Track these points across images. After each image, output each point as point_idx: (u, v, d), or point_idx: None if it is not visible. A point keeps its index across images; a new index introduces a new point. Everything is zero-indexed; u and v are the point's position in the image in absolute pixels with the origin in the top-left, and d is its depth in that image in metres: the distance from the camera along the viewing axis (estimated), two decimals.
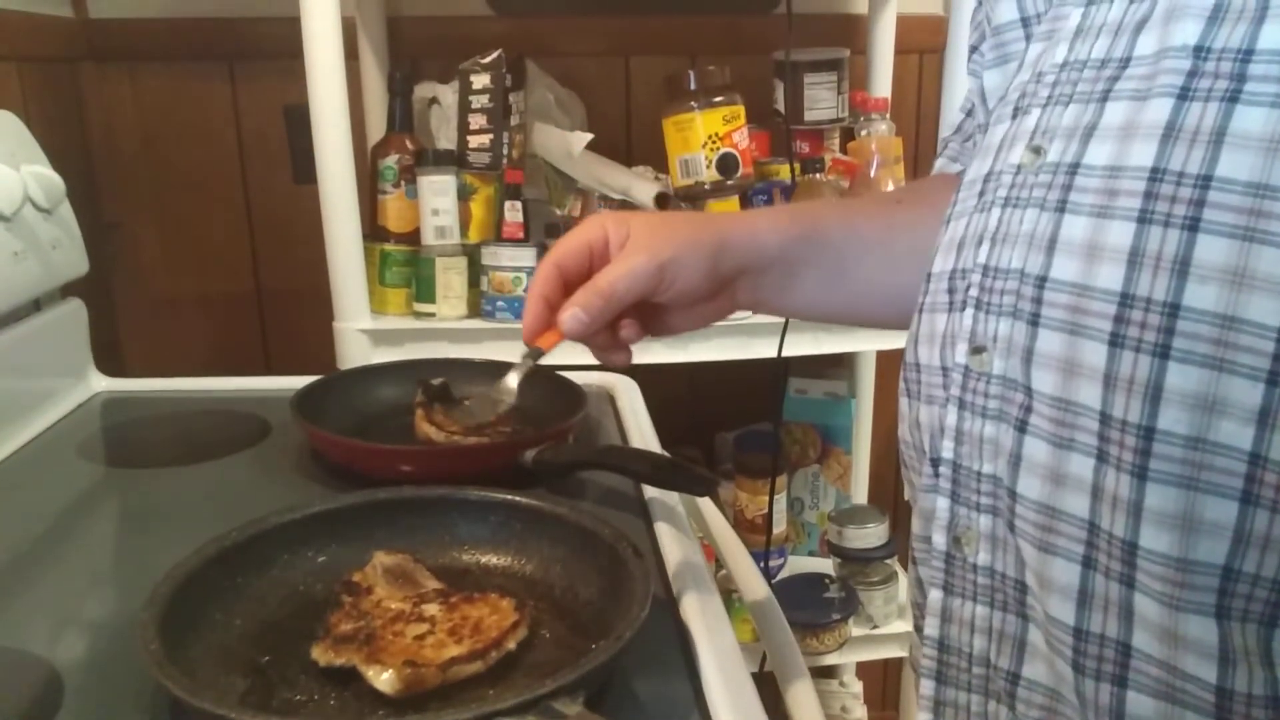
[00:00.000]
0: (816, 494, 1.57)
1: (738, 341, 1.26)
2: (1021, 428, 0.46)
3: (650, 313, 0.63)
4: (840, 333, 1.30)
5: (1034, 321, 0.45)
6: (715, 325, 1.25)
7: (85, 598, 0.65)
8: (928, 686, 0.53)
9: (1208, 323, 0.39)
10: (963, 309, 0.49)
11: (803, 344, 1.27)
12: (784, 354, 1.25)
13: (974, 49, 0.66)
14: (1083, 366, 0.43)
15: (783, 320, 1.23)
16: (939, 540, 0.51)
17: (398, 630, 0.54)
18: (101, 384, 1.03)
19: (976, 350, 0.48)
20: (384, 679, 0.50)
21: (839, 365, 1.57)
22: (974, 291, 0.49)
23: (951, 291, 0.51)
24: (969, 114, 0.68)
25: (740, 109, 1.22)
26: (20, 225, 0.90)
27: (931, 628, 0.52)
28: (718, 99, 1.21)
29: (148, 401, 1.01)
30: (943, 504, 0.51)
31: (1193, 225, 0.40)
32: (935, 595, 0.52)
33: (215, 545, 0.58)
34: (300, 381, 0.88)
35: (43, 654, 0.56)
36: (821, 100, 1.34)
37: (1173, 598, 0.41)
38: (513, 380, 0.67)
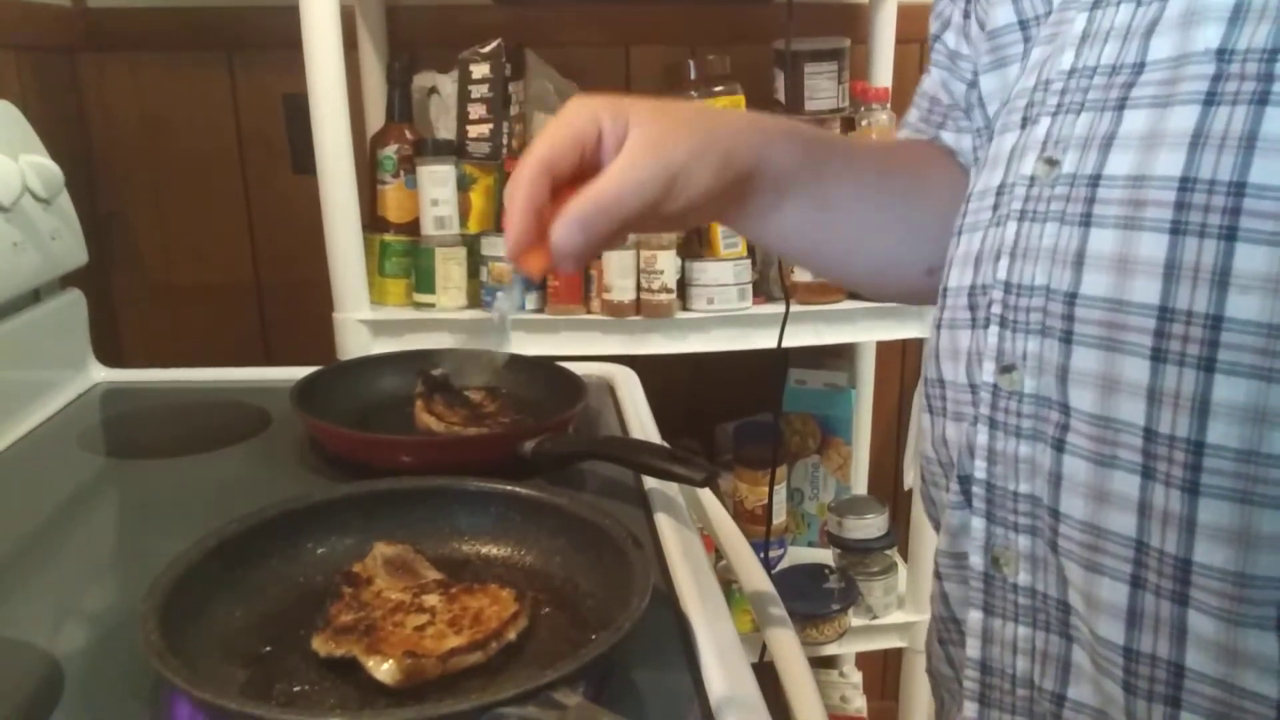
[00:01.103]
0: (816, 485, 1.57)
1: (737, 332, 1.26)
2: (1059, 446, 0.45)
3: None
4: (840, 323, 1.30)
5: (1067, 339, 0.44)
6: (715, 317, 1.26)
7: (85, 588, 0.65)
8: (971, 709, 0.52)
9: (1253, 333, 0.39)
10: (986, 326, 0.49)
11: (803, 335, 1.27)
12: (784, 345, 1.25)
13: (936, 38, 0.65)
14: (1123, 383, 0.42)
15: (783, 310, 1.23)
16: (976, 561, 0.50)
17: (398, 621, 0.54)
18: (101, 374, 1.03)
19: (1005, 369, 0.48)
20: (384, 669, 0.50)
21: (839, 356, 1.57)
22: (997, 309, 0.48)
23: (973, 308, 0.50)
24: (924, 109, 0.67)
25: (740, 98, 1.22)
26: (19, 216, 0.89)
27: (973, 649, 0.51)
28: (718, 89, 1.21)
29: (147, 392, 1.01)
30: (977, 523, 0.50)
31: (1230, 234, 0.39)
32: (975, 616, 0.51)
33: (215, 536, 0.58)
34: (300, 372, 0.88)
35: (43, 645, 0.56)
36: (822, 90, 1.34)
37: (1231, 613, 0.41)
38: (505, 315, 0.58)
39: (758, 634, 0.73)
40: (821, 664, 1.66)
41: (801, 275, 1.28)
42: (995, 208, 0.50)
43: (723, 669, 0.53)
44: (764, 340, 1.26)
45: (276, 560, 0.60)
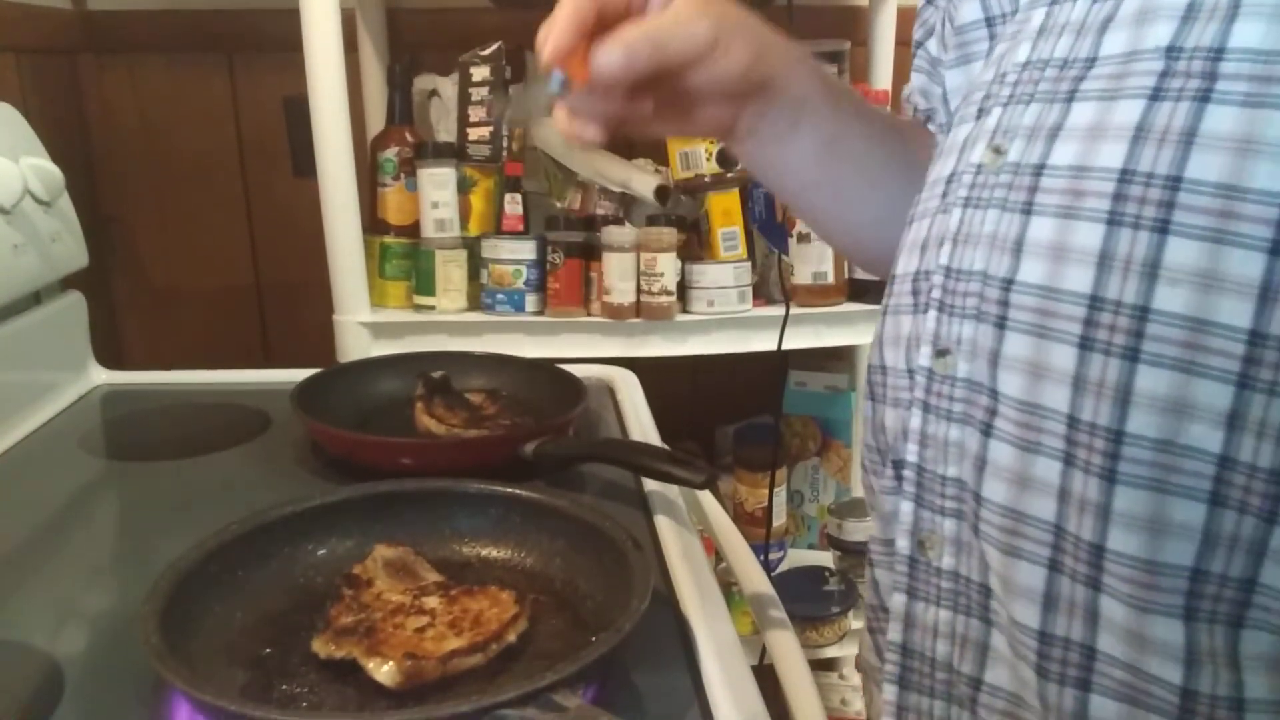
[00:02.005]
0: (816, 487, 1.57)
1: (737, 335, 1.26)
2: (986, 431, 0.46)
3: (644, 95, 0.56)
4: (840, 325, 1.30)
5: (1000, 324, 0.45)
6: (715, 319, 1.26)
7: (86, 590, 0.65)
8: (890, 692, 0.52)
9: (1178, 325, 0.39)
10: (925, 311, 0.49)
11: (803, 337, 1.27)
12: (784, 347, 1.25)
13: (919, 44, 0.65)
14: (1051, 370, 0.43)
15: (783, 313, 1.23)
16: (903, 544, 0.50)
17: (398, 623, 0.54)
18: (101, 377, 1.03)
19: (941, 353, 0.48)
20: (384, 671, 0.50)
21: (839, 358, 1.57)
22: (937, 294, 0.48)
23: (915, 293, 0.51)
24: (910, 114, 0.68)
25: None
26: (19, 218, 0.89)
27: (895, 633, 0.51)
28: None
29: (148, 394, 1.01)
30: (906, 507, 0.50)
31: (1162, 227, 0.39)
32: (899, 600, 0.51)
33: (216, 538, 0.58)
34: (300, 374, 0.88)
35: (44, 647, 0.56)
36: None
37: (1140, 600, 0.41)
38: (535, 97, 0.56)
39: (757, 636, 0.73)
40: (821, 666, 1.65)
41: (802, 278, 1.28)
42: (944, 195, 0.50)
43: (722, 671, 0.53)
44: (764, 343, 1.26)
45: (277, 562, 0.60)
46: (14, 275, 0.88)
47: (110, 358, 1.06)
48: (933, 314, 0.48)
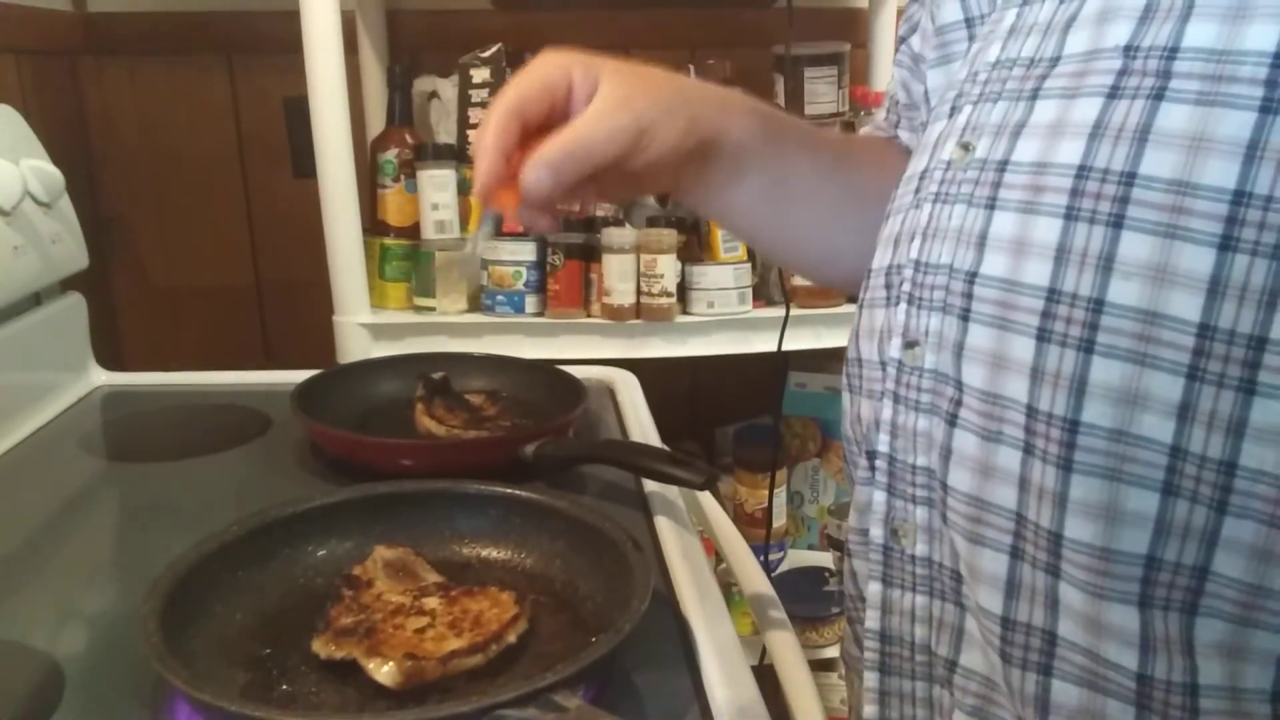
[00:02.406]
0: (816, 488, 1.57)
1: (738, 336, 1.27)
2: (952, 421, 0.47)
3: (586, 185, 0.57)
4: (840, 326, 1.30)
5: (964, 316, 0.46)
6: (715, 320, 1.26)
7: (86, 591, 0.65)
8: (872, 679, 0.53)
9: (1131, 318, 0.40)
10: (897, 304, 0.50)
11: (803, 338, 1.27)
12: (784, 348, 1.25)
13: (902, 40, 0.66)
14: (1010, 361, 0.44)
15: (783, 314, 1.23)
16: (876, 533, 0.51)
17: (398, 623, 0.54)
18: (102, 378, 1.03)
19: (909, 345, 0.49)
20: (384, 672, 0.50)
21: (839, 359, 1.56)
22: (906, 287, 0.49)
23: (888, 287, 0.52)
24: (891, 107, 0.69)
25: None
26: (20, 220, 0.89)
27: (872, 620, 0.52)
28: None
29: (148, 395, 1.01)
30: (879, 497, 0.51)
31: (1117, 222, 0.40)
32: (875, 588, 0.52)
33: (216, 539, 0.58)
34: (300, 375, 0.88)
35: (44, 647, 0.56)
36: (822, 94, 1.34)
37: (1096, 586, 0.42)
38: (476, 246, 0.59)
39: (757, 637, 0.73)
40: (821, 667, 1.65)
41: (802, 279, 1.28)
42: (916, 191, 0.51)
43: (723, 671, 0.53)
44: (764, 344, 1.26)
45: (277, 563, 0.60)
46: (14, 276, 0.88)
47: (110, 359, 1.06)
48: (903, 307, 0.49)
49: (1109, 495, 0.41)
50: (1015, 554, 0.44)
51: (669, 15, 1.48)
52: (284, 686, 0.51)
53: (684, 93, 0.57)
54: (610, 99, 0.54)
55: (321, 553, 0.62)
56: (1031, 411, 0.43)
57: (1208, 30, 0.39)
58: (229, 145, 1.45)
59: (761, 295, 1.30)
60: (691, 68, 1.22)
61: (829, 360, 1.55)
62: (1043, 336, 0.42)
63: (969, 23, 0.56)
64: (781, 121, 0.64)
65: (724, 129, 0.59)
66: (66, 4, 1.36)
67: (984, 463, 0.45)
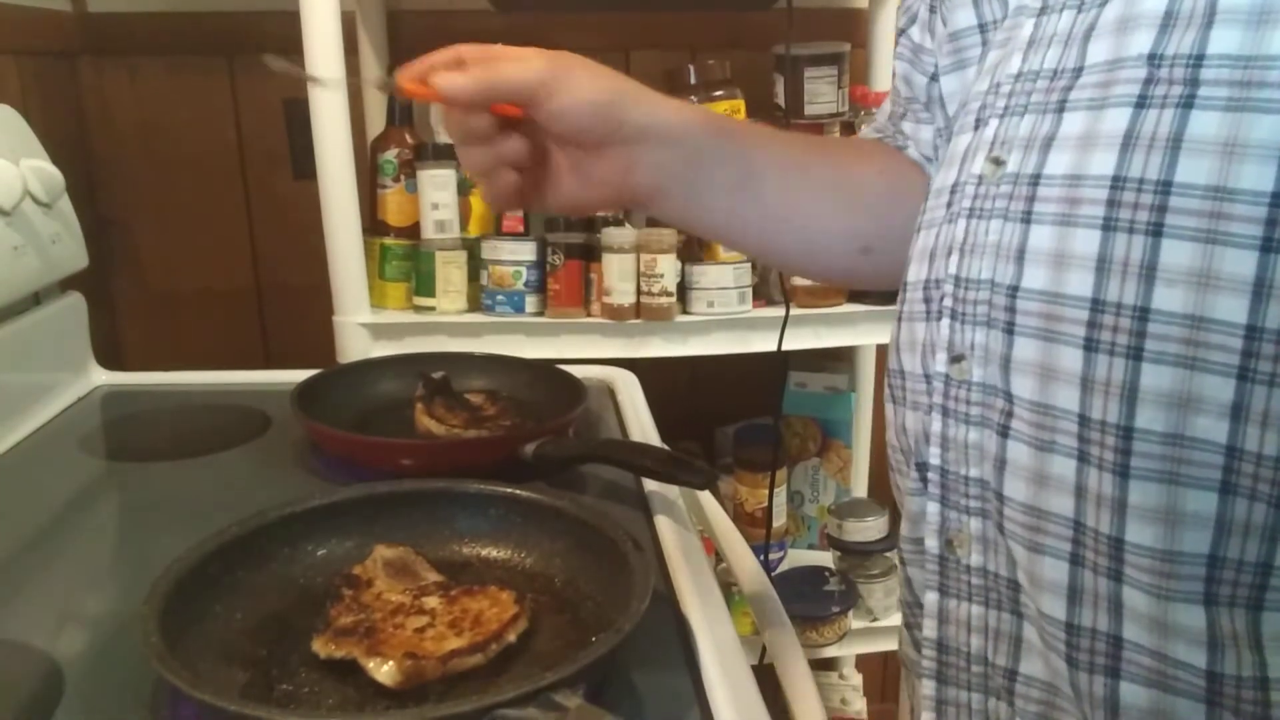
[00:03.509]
0: (816, 487, 1.57)
1: (737, 335, 1.26)
2: (1004, 432, 0.47)
3: (540, 159, 0.60)
4: (840, 326, 1.30)
5: (1009, 330, 0.46)
6: (715, 320, 1.26)
7: (86, 591, 0.65)
8: (929, 687, 0.54)
9: (1177, 324, 0.40)
10: (939, 319, 0.51)
11: (803, 338, 1.27)
12: (784, 348, 1.25)
13: (901, 32, 0.66)
14: (1059, 371, 0.44)
15: (783, 313, 1.23)
16: (931, 544, 0.52)
17: (398, 623, 0.54)
18: (101, 378, 1.03)
19: (955, 359, 0.50)
20: (384, 671, 0.50)
21: (839, 359, 1.57)
22: (948, 301, 0.50)
23: (927, 301, 0.52)
24: (894, 101, 0.69)
25: (740, 103, 1.22)
26: (20, 220, 0.89)
27: (929, 629, 0.53)
28: (718, 93, 1.21)
29: (148, 395, 1.01)
30: (932, 508, 0.52)
31: (1156, 230, 0.41)
32: (931, 597, 0.53)
33: (215, 539, 0.58)
34: (300, 375, 0.88)
35: (44, 647, 0.56)
36: (822, 94, 1.34)
37: (1161, 588, 0.42)
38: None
39: (758, 636, 0.73)
40: (821, 666, 1.66)
41: (802, 279, 1.28)
42: (949, 205, 0.52)
43: (723, 671, 0.53)
44: (764, 343, 1.26)
45: (277, 563, 0.60)
46: (14, 277, 0.88)
47: (110, 358, 1.06)
48: (945, 321, 0.50)
49: (1168, 498, 0.41)
50: (1076, 560, 0.45)
51: (668, 16, 1.48)
52: (284, 686, 0.51)
53: (618, 75, 0.59)
54: (537, 53, 0.57)
55: (321, 552, 0.62)
56: (1084, 420, 0.43)
57: (1232, 36, 0.39)
58: (229, 145, 1.45)
59: (761, 295, 1.30)
60: (691, 68, 1.22)
61: (829, 360, 1.55)
62: (1090, 346, 0.43)
63: (982, 28, 0.56)
64: (737, 122, 0.65)
65: (663, 115, 0.59)
66: (66, 4, 1.36)
67: (1039, 472, 0.46)
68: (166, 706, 0.49)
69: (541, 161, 0.59)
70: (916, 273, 0.54)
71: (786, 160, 0.64)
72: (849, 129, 1.36)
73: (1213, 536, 0.41)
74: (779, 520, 1.49)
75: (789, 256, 0.70)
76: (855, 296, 1.31)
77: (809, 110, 1.34)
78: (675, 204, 0.61)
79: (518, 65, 0.56)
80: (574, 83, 0.56)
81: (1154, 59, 0.42)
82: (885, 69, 1.44)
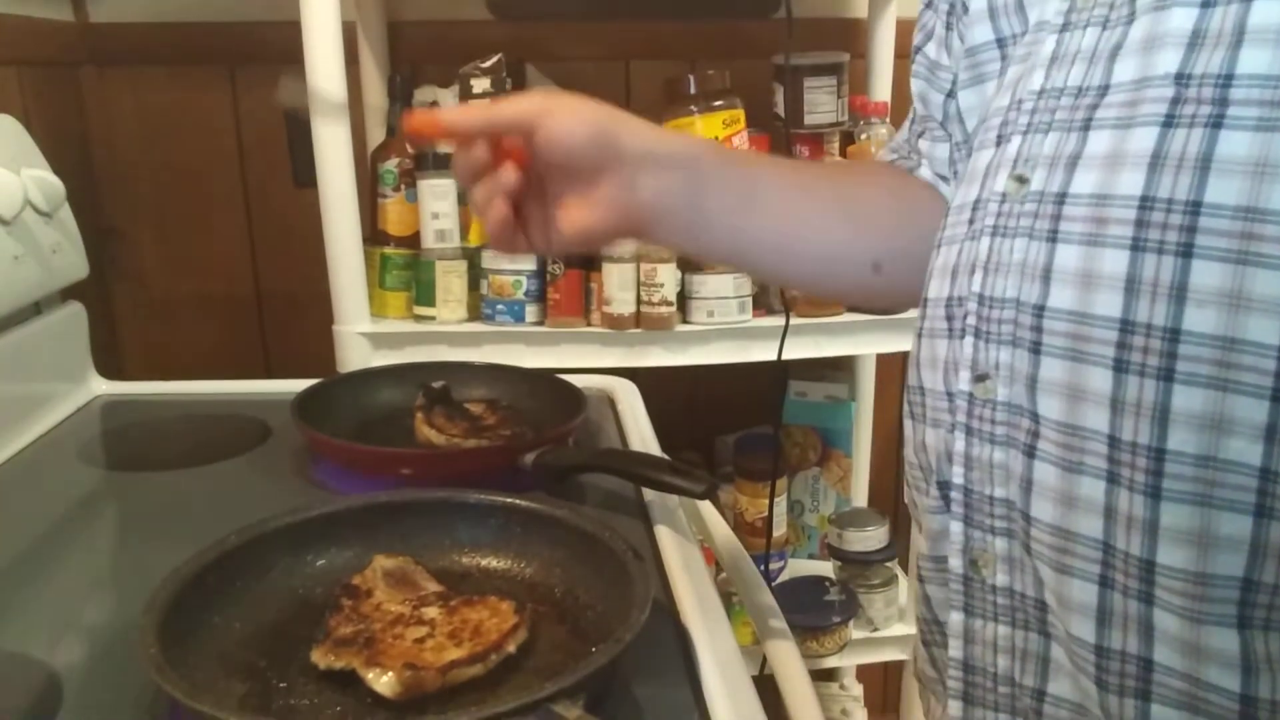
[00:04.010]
0: (817, 497, 1.57)
1: (737, 345, 1.26)
2: (1030, 453, 0.47)
3: (542, 199, 0.59)
4: (840, 335, 1.30)
5: (1035, 349, 0.46)
6: (715, 329, 1.26)
7: (85, 601, 0.65)
8: (955, 707, 0.53)
9: (1209, 345, 0.40)
10: (962, 337, 0.50)
11: (803, 347, 1.27)
12: (784, 357, 1.25)
13: (918, 49, 0.66)
14: (1088, 392, 0.44)
15: (782, 323, 1.23)
16: (956, 563, 0.51)
17: (398, 633, 0.54)
18: (101, 387, 1.03)
19: (980, 378, 0.49)
20: (384, 682, 0.50)
21: (839, 368, 1.57)
22: (971, 320, 0.49)
23: (950, 319, 0.52)
24: (913, 121, 0.69)
25: (740, 113, 1.22)
26: (20, 229, 0.90)
27: (955, 649, 0.52)
28: (717, 103, 1.21)
29: (148, 405, 1.01)
30: (956, 527, 0.51)
31: (1186, 251, 0.40)
32: (956, 617, 0.52)
33: (215, 549, 0.58)
34: (300, 385, 0.88)
35: (43, 657, 0.56)
36: (821, 104, 1.34)
37: (1193, 611, 0.42)
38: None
39: (758, 646, 0.73)
40: (822, 677, 1.65)
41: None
42: (971, 222, 0.51)
43: (723, 681, 0.53)
44: (764, 353, 1.26)
45: (276, 573, 0.60)
46: (14, 286, 0.88)
47: (110, 368, 1.06)
48: (969, 340, 0.49)
49: (1201, 521, 0.41)
50: (1105, 583, 0.45)
51: (668, 26, 1.48)
52: (283, 697, 0.51)
53: (613, 109, 0.59)
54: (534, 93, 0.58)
55: (321, 562, 0.62)
56: (1114, 442, 0.43)
57: (1261, 56, 0.39)
58: (230, 155, 1.46)
59: (761, 304, 1.30)
60: (691, 77, 1.22)
61: (829, 369, 1.55)
62: (1120, 367, 0.42)
63: (1000, 43, 0.56)
64: (739, 149, 0.64)
65: (661, 138, 0.59)
66: (69, 14, 1.37)
67: (1067, 493, 0.45)
68: (165, 717, 0.49)
69: (545, 201, 0.59)
70: (938, 289, 0.53)
71: (789, 182, 0.64)
72: (849, 139, 1.37)
73: (1246, 559, 0.40)
74: (779, 530, 1.48)
75: (801, 277, 0.69)
76: (854, 306, 1.31)
77: (808, 120, 1.34)
78: (679, 227, 0.60)
79: (516, 99, 0.57)
80: (570, 108, 0.57)
81: (1181, 78, 0.41)
82: (884, 79, 1.44)
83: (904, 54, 1.45)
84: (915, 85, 0.67)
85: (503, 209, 0.58)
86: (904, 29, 1.43)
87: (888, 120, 1.35)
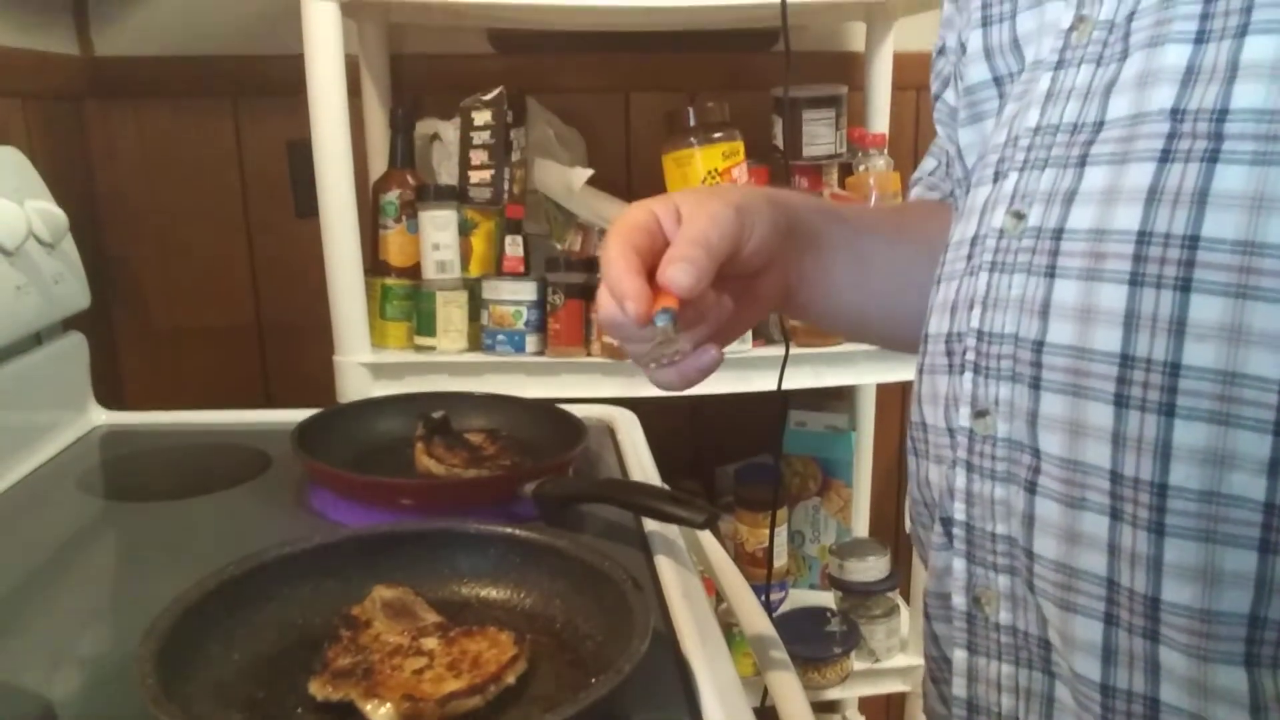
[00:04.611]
0: (817, 527, 1.56)
1: (737, 374, 1.26)
2: (1031, 489, 0.46)
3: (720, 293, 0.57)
4: (840, 365, 1.30)
5: (1035, 385, 0.46)
6: None
7: (82, 632, 0.64)
8: None
9: (1209, 379, 0.40)
10: (962, 372, 0.50)
11: (803, 377, 1.27)
12: (784, 387, 1.25)
13: (936, 97, 0.67)
14: (1089, 427, 0.44)
15: (782, 352, 1.24)
16: (959, 601, 0.51)
17: (396, 664, 0.54)
18: (102, 417, 1.03)
19: (980, 414, 0.49)
20: (382, 713, 0.49)
21: (839, 398, 1.57)
22: (970, 355, 0.49)
23: (950, 354, 0.52)
24: (939, 164, 0.69)
25: (739, 145, 1.23)
26: (23, 260, 0.90)
27: (959, 688, 0.52)
28: (717, 135, 1.22)
29: (148, 435, 1.01)
30: (959, 564, 0.51)
31: (1185, 285, 0.40)
32: (960, 655, 0.52)
33: (213, 579, 0.57)
34: (301, 415, 0.88)
35: (38, 688, 0.56)
36: (820, 136, 1.35)
37: (1199, 649, 0.41)
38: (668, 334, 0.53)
39: (759, 677, 0.72)
40: (824, 708, 1.64)
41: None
42: (969, 258, 0.52)
43: (724, 713, 0.53)
44: (764, 382, 1.26)
45: (275, 603, 0.60)
46: (16, 316, 0.88)
47: (111, 398, 1.06)
48: (969, 375, 0.49)
49: (1205, 557, 0.41)
50: (1110, 620, 0.44)
51: (668, 58, 1.50)
52: None
53: (744, 186, 0.58)
54: (696, 205, 0.54)
55: (320, 593, 0.62)
56: (1116, 477, 0.43)
57: (1256, 91, 0.39)
58: (232, 187, 1.47)
59: (761, 334, 1.30)
60: (690, 109, 1.23)
61: (829, 399, 1.55)
62: (1120, 402, 0.42)
63: (998, 81, 0.56)
64: (829, 204, 0.65)
65: (795, 207, 0.59)
66: (74, 48, 1.38)
67: (1069, 529, 0.45)
68: None
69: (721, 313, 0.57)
70: (938, 325, 0.53)
71: (888, 243, 0.64)
72: (847, 170, 1.38)
73: (1253, 596, 0.40)
74: (780, 560, 1.48)
75: (907, 336, 0.66)
76: (854, 336, 1.31)
77: (807, 152, 1.35)
78: (813, 290, 0.60)
79: (712, 224, 0.52)
80: (754, 214, 0.54)
81: (1177, 114, 0.41)
82: (882, 111, 1.45)
83: (902, 86, 1.47)
84: (941, 131, 0.67)
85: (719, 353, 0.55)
86: (901, 62, 1.45)
87: (886, 152, 1.36)
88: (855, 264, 0.62)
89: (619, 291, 0.51)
